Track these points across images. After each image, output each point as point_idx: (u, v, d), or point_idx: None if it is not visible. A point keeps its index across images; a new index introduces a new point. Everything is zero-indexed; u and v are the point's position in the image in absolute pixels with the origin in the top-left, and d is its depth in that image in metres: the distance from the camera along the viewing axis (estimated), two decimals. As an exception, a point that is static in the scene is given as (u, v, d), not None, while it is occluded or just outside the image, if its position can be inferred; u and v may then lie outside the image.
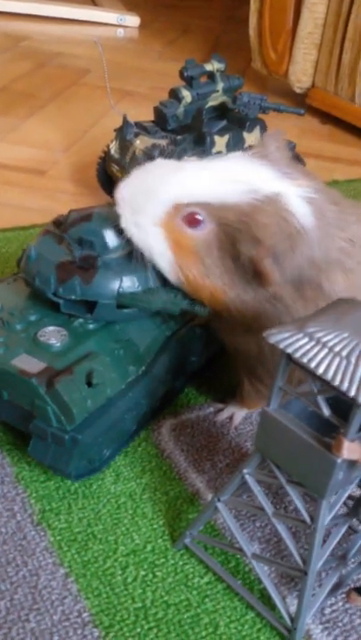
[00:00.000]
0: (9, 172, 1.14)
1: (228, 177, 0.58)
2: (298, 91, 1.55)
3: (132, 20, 2.01)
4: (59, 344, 0.60)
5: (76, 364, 0.58)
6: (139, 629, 0.51)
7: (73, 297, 0.61)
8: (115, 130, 1.01)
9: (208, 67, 1.00)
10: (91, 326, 0.62)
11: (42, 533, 0.56)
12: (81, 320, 0.63)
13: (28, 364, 0.58)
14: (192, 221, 0.58)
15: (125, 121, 0.97)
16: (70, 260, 0.61)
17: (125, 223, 0.60)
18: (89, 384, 0.57)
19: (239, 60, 1.76)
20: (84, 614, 0.51)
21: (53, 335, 0.60)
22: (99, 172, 1.06)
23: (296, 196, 0.57)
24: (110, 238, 0.61)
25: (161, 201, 0.58)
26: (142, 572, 0.54)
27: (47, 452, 0.58)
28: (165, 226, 0.59)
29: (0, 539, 0.55)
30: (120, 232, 0.61)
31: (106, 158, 1.02)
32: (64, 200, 1.08)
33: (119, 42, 1.92)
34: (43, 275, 0.61)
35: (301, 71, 1.53)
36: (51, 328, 0.61)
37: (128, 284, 0.61)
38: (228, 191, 0.57)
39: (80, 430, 0.57)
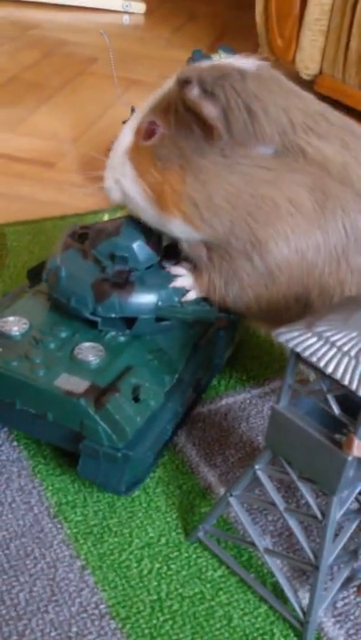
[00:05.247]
0: (18, 164, 1.14)
1: (166, 84, 0.61)
2: (306, 77, 1.54)
3: (138, 7, 2.00)
4: (97, 360, 0.59)
5: (120, 380, 0.58)
6: (155, 621, 0.52)
7: (113, 315, 0.61)
8: (123, 122, 1.00)
9: (215, 57, 1.00)
10: (122, 339, 0.62)
11: (58, 526, 0.57)
12: (112, 333, 0.62)
13: (72, 383, 0.57)
14: (149, 131, 0.60)
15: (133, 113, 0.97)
16: (104, 277, 0.61)
17: (108, 182, 0.63)
18: (135, 399, 0.57)
19: (247, 47, 1.73)
20: (101, 606, 0.52)
21: (90, 352, 0.60)
22: (108, 164, 1.06)
23: (236, 60, 0.59)
24: (141, 251, 0.62)
25: (123, 141, 0.62)
26: (157, 565, 0.56)
27: (98, 471, 0.57)
28: (133, 154, 0.61)
29: (18, 531, 0.56)
30: (150, 243, 0.62)
31: (115, 150, 1.03)
32: (74, 192, 1.08)
33: (125, 29, 1.91)
34: (79, 295, 0.61)
35: (309, 58, 1.51)
36: (86, 344, 0.61)
37: (165, 297, 0.61)
38: (165, 87, 0.61)
39: (131, 447, 0.57)
